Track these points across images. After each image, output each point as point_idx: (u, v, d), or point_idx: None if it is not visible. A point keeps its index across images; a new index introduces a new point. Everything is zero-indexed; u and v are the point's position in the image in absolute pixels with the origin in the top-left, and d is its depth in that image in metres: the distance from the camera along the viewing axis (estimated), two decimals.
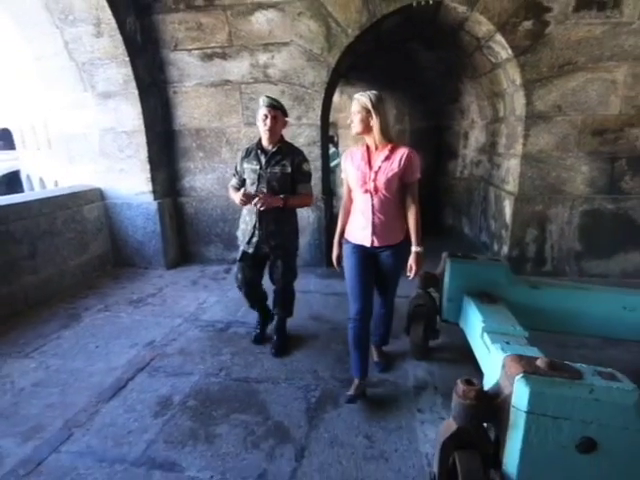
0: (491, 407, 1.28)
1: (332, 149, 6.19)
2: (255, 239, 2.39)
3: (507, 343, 1.74)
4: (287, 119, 2.39)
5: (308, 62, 3.67)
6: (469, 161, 5.21)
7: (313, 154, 3.93)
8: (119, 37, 3.51)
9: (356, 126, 1.97)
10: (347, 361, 2.27)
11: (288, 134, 3.85)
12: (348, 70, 4.58)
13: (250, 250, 2.42)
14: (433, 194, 5.96)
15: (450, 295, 2.32)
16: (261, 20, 3.58)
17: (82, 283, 3.82)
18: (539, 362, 1.25)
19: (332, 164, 5.66)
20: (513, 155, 3.82)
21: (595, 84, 3.41)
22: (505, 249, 3.90)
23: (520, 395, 1.19)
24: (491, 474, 1.32)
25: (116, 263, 4.28)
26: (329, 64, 3.64)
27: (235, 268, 2.55)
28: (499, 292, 2.22)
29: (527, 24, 3.32)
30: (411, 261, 2.06)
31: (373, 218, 2.02)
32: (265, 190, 2.32)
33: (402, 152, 1.97)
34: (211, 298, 3.49)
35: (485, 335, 1.87)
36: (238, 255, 2.51)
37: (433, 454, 1.55)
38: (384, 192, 1.98)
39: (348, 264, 2.11)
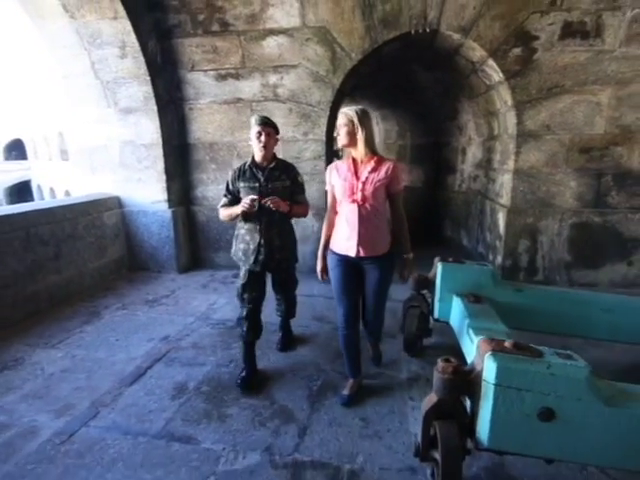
0: (466, 381, 1.50)
1: None
2: (262, 257, 2.37)
3: None
4: (277, 136, 2.40)
5: (314, 83, 3.97)
6: (467, 176, 5.46)
7: (318, 167, 4.21)
8: (142, 59, 3.83)
9: (342, 139, 2.03)
10: None
11: (295, 149, 4.17)
12: (352, 89, 4.88)
13: (257, 269, 2.40)
14: (433, 207, 6.22)
15: (441, 296, 2.54)
16: (272, 44, 3.90)
17: (100, 284, 4.08)
18: (506, 343, 1.48)
19: None
20: (506, 170, 4.07)
21: (581, 106, 3.67)
22: (499, 259, 4.12)
23: (489, 370, 1.41)
24: (466, 441, 1.54)
25: (131, 267, 4.54)
26: (334, 85, 3.94)
27: (239, 289, 2.44)
28: (485, 293, 2.43)
29: (517, 50, 3.61)
30: (402, 267, 2.18)
31: (359, 228, 2.05)
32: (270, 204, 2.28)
33: (387, 164, 2.05)
34: (221, 300, 3.72)
35: (470, 330, 2.08)
36: (242, 276, 2.44)
37: None
38: (371, 202, 2.04)
39: (333, 275, 2.17)
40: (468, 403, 1.55)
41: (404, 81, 5.38)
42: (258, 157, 2.36)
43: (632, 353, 2.56)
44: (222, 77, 4.11)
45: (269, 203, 2.21)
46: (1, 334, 3.00)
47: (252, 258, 2.39)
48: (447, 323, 2.55)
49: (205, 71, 4.11)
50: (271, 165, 2.37)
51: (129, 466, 1.77)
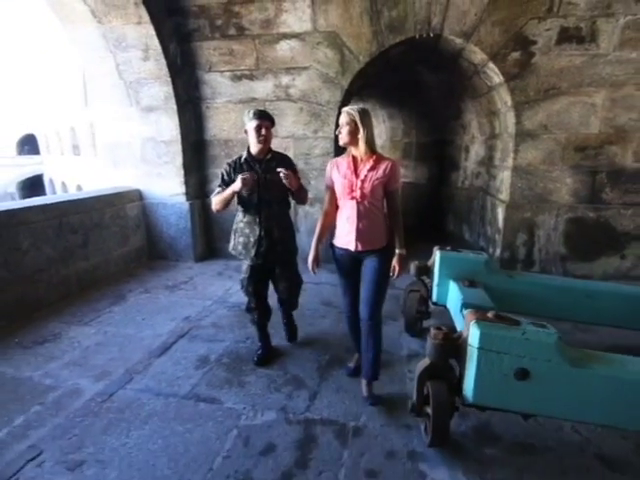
0: (454, 346, 1.76)
1: None
2: (263, 249, 2.40)
3: None
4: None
5: (324, 84, 4.22)
6: (470, 173, 5.68)
7: (327, 163, 4.44)
8: (163, 61, 4.10)
9: (344, 137, 2.08)
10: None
11: (305, 145, 4.42)
12: (359, 89, 5.12)
13: (259, 261, 2.44)
14: (437, 203, 6.45)
15: (439, 281, 2.79)
16: (285, 48, 4.15)
17: (123, 271, 4.38)
18: (489, 314, 1.74)
19: None
20: (506, 167, 4.29)
21: (577, 107, 3.88)
22: (498, 251, 4.35)
23: (473, 335, 1.67)
24: (455, 399, 1.79)
25: (150, 255, 4.84)
26: (342, 86, 4.18)
27: (244, 282, 2.54)
28: (480, 279, 2.68)
29: (515, 54, 3.82)
30: (395, 262, 2.18)
31: (358, 224, 2.12)
32: (268, 197, 2.37)
33: (386, 162, 2.10)
34: (236, 286, 3.97)
35: (463, 309, 2.33)
36: (245, 270, 2.51)
37: None
38: (369, 199, 2.10)
39: (337, 267, 2.31)
40: (456, 365, 1.81)
41: (409, 81, 5.60)
42: (255, 150, 2.37)
43: (614, 336, 2.78)
44: (237, 78, 4.37)
45: (286, 180, 2.21)
46: (39, 314, 3.31)
47: (253, 251, 2.41)
48: (444, 306, 2.80)
49: (222, 72, 4.38)
50: (267, 157, 2.39)
51: (163, 419, 2.06)
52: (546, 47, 3.76)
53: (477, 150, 5.50)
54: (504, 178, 4.35)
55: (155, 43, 4.00)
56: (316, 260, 2.29)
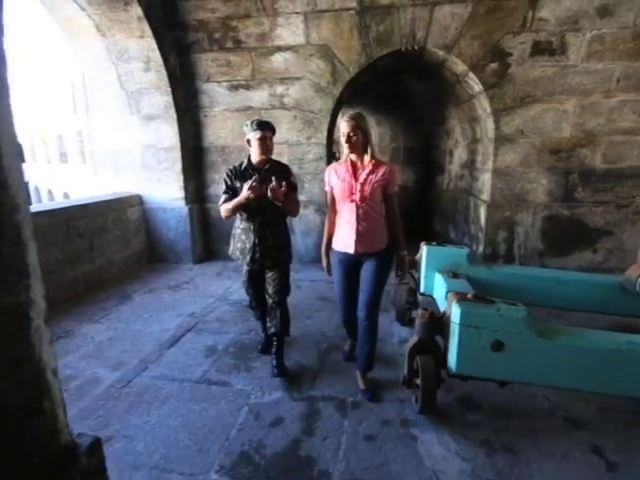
0: (439, 324, 2.01)
1: None
2: (257, 255, 2.44)
3: None
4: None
5: (317, 93, 4.49)
6: (454, 175, 5.99)
7: (320, 167, 4.71)
8: (164, 72, 4.33)
9: (349, 144, 2.13)
10: None
11: (299, 151, 4.68)
12: (350, 97, 5.40)
13: (255, 267, 2.51)
14: (423, 204, 6.75)
15: (426, 274, 3.05)
16: (279, 59, 4.41)
17: (125, 273, 4.56)
18: (468, 295, 2.00)
19: None
20: (486, 170, 4.60)
21: (550, 113, 4.20)
22: (481, 248, 4.65)
23: (455, 314, 1.93)
24: (440, 372, 2.05)
25: (151, 258, 5.02)
26: (334, 95, 4.46)
27: (244, 284, 2.71)
28: (462, 270, 2.94)
29: (493, 65, 4.14)
30: (398, 263, 2.29)
31: (357, 226, 2.17)
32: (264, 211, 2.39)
33: (385, 166, 2.18)
34: (235, 285, 4.21)
35: (448, 295, 2.59)
36: (244, 273, 2.64)
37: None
38: (369, 202, 2.16)
39: (335, 273, 2.36)
40: (441, 341, 2.07)
41: (397, 90, 5.91)
42: (256, 159, 2.41)
43: (585, 321, 3.07)
44: (234, 87, 4.62)
45: (271, 186, 2.21)
46: (50, 313, 3.47)
47: (249, 257, 2.46)
48: (431, 296, 3.06)
49: (219, 82, 4.61)
50: (266, 167, 2.42)
51: (180, 400, 2.27)
52: (521, 59, 4.08)
53: (460, 154, 5.81)
54: (485, 180, 4.65)
55: (156, 55, 4.22)
56: (329, 266, 2.41)
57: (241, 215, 2.48)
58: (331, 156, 5.29)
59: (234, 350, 2.85)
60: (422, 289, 3.10)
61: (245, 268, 2.59)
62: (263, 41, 4.35)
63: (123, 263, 4.61)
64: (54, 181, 24.49)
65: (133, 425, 2.08)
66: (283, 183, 2.27)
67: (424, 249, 3.07)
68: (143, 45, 4.17)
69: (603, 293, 2.87)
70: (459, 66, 4.30)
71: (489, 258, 4.51)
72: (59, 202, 4.08)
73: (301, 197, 3.86)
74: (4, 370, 0.70)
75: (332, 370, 2.59)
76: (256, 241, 2.43)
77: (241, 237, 2.51)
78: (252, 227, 2.43)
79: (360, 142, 2.14)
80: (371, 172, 2.17)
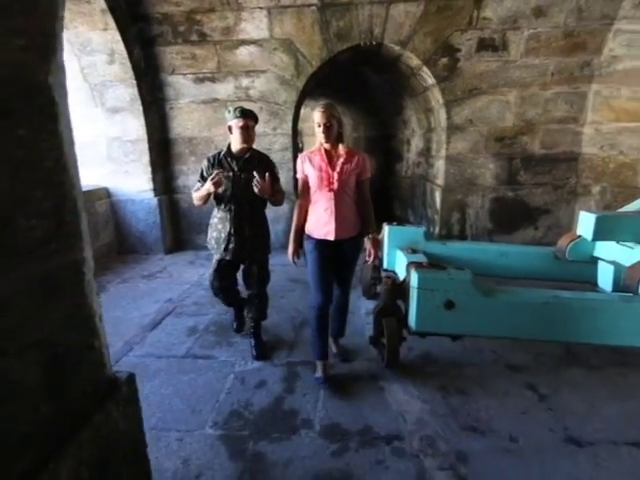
0: (401, 290, 2.32)
1: None
2: (232, 245, 2.43)
3: None
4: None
5: (281, 85, 4.68)
6: (412, 163, 6.38)
7: (286, 157, 4.93)
8: (128, 64, 4.36)
9: (325, 134, 2.14)
10: None
11: (266, 141, 4.86)
12: (312, 89, 5.61)
13: (228, 257, 2.47)
14: (384, 190, 7.12)
15: (388, 251, 3.37)
16: (244, 53, 4.55)
17: (96, 266, 4.57)
18: (424, 263, 2.32)
19: None
20: (440, 157, 4.99)
21: (495, 104, 4.63)
22: (437, 229, 5.05)
23: (414, 279, 2.24)
24: (402, 331, 2.36)
25: (120, 250, 5.06)
26: (298, 87, 4.66)
27: (210, 276, 2.63)
28: (419, 247, 3.28)
29: (444, 60, 4.49)
30: (369, 246, 2.34)
31: (337, 213, 2.22)
32: (241, 199, 2.40)
33: (358, 155, 2.27)
34: (209, 272, 4.36)
35: (409, 265, 2.91)
36: (213, 263, 2.58)
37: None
38: (345, 190, 2.24)
39: (312, 258, 2.29)
40: (402, 305, 2.38)
41: (356, 82, 6.19)
42: (237, 148, 2.40)
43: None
44: (200, 80, 4.71)
45: (257, 188, 2.25)
46: None
47: (223, 246, 2.46)
48: (394, 271, 3.38)
49: (184, 75, 4.69)
50: (246, 156, 2.41)
51: (169, 373, 2.46)
52: (468, 54, 4.46)
53: (417, 142, 6.20)
54: (439, 166, 5.05)
55: (121, 48, 4.25)
56: (297, 252, 2.37)
57: (218, 204, 2.48)
58: (296, 146, 5.51)
59: (214, 329, 3.05)
60: (385, 265, 3.41)
61: (216, 258, 2.54)
62: (228, 35, 4.47)
63: (93, 255, 4.62)
64: None
65: None
66: (266, 175, 2.27)
67: (386, 229, 3.38)
68: (107, 38, 4.19)
69: (540, 262, 3.30)
70: (413, 60, 4.62)
71: (445, 238, 4.92)
72: None
73: None
74: (69, 313, 0.90)
75: (307, 341, 2.82)
76: (232, 231, 2.42)
77: (217, 226, 2.50)
78: (228, 216, 2.43)
79: (335, 131, 2.18)
80: (346, 161, 2.23)
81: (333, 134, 2.17)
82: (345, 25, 4.40)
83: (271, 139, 4.88)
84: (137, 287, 3.97)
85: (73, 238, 0.90)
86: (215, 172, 2.27)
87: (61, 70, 0.88)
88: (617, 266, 2.73)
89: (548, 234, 4.85)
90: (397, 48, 4.52)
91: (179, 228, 5.27)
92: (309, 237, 2.33)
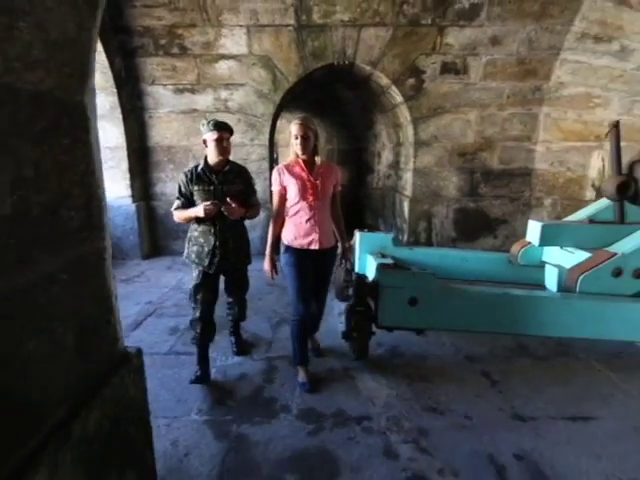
0: (370, 288, 2.56)
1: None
2: (217, 259, 2.39)
3: None
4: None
5: (259, 98, 4.91)
6: (382, 175, 6.73)
7: (263, 167, 5.15)
8: (110, 74, 4.48)
9: (303, 147, 2.21)
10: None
11: (243, 152, 5.06)
12: (288, 102, 5.88)
13: (212, 271, 2.41)
14: (356, 201, 7.43)
15: (359, 255, 3.61)
16: (223, 67, 4.76)
17: None
18: (391, 265, 2.57)
19: None
20: (408, 169, 5.33)
21: (457, 122, 5.03)
22: (405, 237, 5.37)
23: (382, 279, 2.48)
24: (371, 326, 2.60)
25: None
26: (275, 101, 4.91)
27: (192, 290, 2.48)
28: (388, 252, 3.54)
29: (411, 80, 4.86)
30: (346, 253, 2.59)
31: (319, 223, 2.30)
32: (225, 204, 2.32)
33: (332, 166, 2.40)
34: (187, 277, 4.47)
35: (378, 266, 3.16)
36: (196, 277, 2.46)
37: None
38: (325, 200, 2.33)
39: (293, 269, 2.32)
40: (372, 302, 2.62)
41: (330, 97, 6.51)
42: (214, 161, 2.35)
43: None
44: (180, 91, 4.88)
45: (224, 209, 2.25)
46: None
47: (207, 260, 2.39)
48: (364, 275, 3.63)
49: (164, 85, 4.85)
50: (225, 169, 2.38)
51: (153, 368, 2.58)
52: (433, 76, 4.85)
53: (387, 156, 6.56)
54: (408, 178, 5.39)
55: (102, 58, 4.36)
56: (275, 268, 2.41)
57: (198, 219, 2.38)
58: (272, 157, 5.74)
59: None
60: (357, 269, 3.66)
61: (199, 269, 2.44)
62: (208, 49, 4.68)
63: None
64: None
65: None
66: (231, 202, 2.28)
67: (357, 236, 3.63)
68: None
69: (495, 267, 3.63)
70: (383, 80, 4.97)
71: (412, 245, 5.24)
72: None
73: None
74: (93, 292, 1.08)
75: (284, 337, 3.04)
76: (217, 244, 2.38)
77: (199, 240, 2.41)
78: (212, 230, 2.37)
79: (311, 143, 2.25)
80: (325, 172, 2.33)
81: (310, 146, 2.24)
82: (320, 45, 4.70)
83: (248, 149, 5.08)
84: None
85: (98, 229, 1.08)
86: (210, 202, 2.23)
87: (92, 91, 1.07)
88: (560, 269, 3.09)
89: (506, 242, 5.25)
90: (368, 68, 4.85)
91: (156, 234, 5.35)
92: (289, 247, 2.35)
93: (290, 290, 2.38)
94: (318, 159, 2.36)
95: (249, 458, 1.85)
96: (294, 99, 5.96)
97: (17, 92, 0.79)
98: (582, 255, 2.84)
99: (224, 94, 4.90)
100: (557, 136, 5.00)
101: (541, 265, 3.36)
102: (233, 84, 4.85)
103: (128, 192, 4.96)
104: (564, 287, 2.89)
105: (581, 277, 2.62)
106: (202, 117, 4.96)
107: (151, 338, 3.01)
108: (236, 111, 4.96)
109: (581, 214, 3.47)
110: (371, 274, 3.39)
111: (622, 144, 3.03)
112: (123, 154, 4.85)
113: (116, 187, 4.94)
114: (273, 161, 5.78)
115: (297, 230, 2.33)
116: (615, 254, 2.63)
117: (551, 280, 3.18)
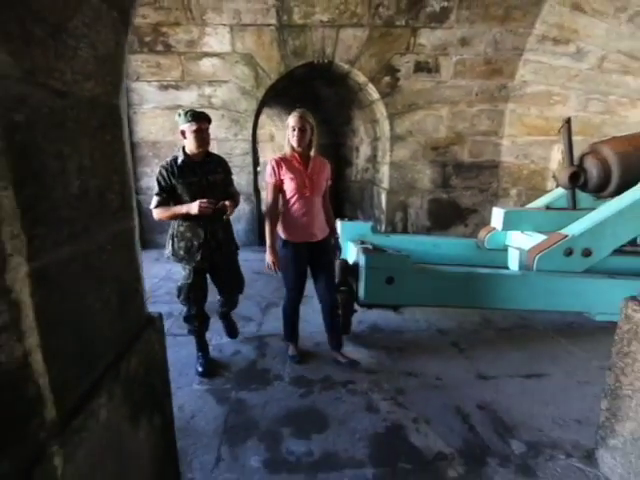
0: (352, 270, 2.84)
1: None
2: (207, 252, 2.34)
3: None
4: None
5: (242, 95, 5.09)
6: (360, 168, 7.02)
7: (246, 161, 5.34)
8: None
9: (303, 139, 2.23)
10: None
11: (227, 147, 5.24)
12: (270, 99, 6.07)
13: (204, 265, 2.38)
14: (335, 194, 7.70)
15: (342, 243, 3.89)
16: (207, 64, 4.92)
17: None
18: (370, 247, 2.86)
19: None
20: (385, 163, 5.63)
21: (430, 118, 5.35)
22: (383, 227, 5.68)
23: (362, 260, 2.76)
24: (354, 304, 2.88)
25: None
26: (257, 97, 5.11)
27: (184, 289, 2.45)
28: (367, 239, 3.81)
29: (387, 78, 5.14)
30: (336, 243, 2.71)
31: (316, 216, 2.36)
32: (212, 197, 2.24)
33: (325, 162, 2.42)
34: (175, 268, 4.61)
35: (358, 250, 3.44)
36: (186, 275, 2.41)
37: None
38: (320, 194, 2.40)
39: (291, 263, 2.39)
40: (353, 282, 2.90)
41: (310, 93, 6.73)
42: (193, 152, 2.26)
43: None
44: (164, 87, 5.01)
45: (220, 205, 2.22)
46: None
47: (198, 255, 2.32)
48: (346, 260, 3.91)
49: (149, 82, 4.97)
50: (207, 159, 2.34)
51: None
52: (407, 74, 5.14)
53: (365, 150, 6.85)
54: (384, 171, 5.69)
55: None
56: (277, 263, 2.41)
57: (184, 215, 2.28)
58: (255, 151, 5.94)
59: None
60: (341, 255, 3.91)
61: (189, 268, 2.39)
62: (192, 47, 4.82)
63: None
64: None
65: None
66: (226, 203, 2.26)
67: (339, 224, 3.90)
68: None
69: (465, 251, 3.97)
70: (361, 77, 5.23)
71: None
72: None
73: None
74: (127, 262, 1.30)
75: (273, 318, 3.29)
76: (207, 237, 2.32)
77: (186, 235, 2.32)
78: (201, 222, 2.28)
79: (308, 136, 2.27)
80: (319, 166, 2.38)
81: (306, 139, 2.26)
82: (301, 44, 4.91)
83: (232, 144, 5.27)
84: None
85: (129, 210, 1.30)
86: (206, 200, 2.16)
87: (123, 94, 1.29)
88: (521, 250, 3.44)
89: (476, 230, 5.55)
90: (346, 66, 5.10)
91: (141, 228, 5.43)
92: (286, 242, 2.39)
93: (285, 280, 2.50)
94: (313, 153, 2.39)
95: (249, 417, 2.10)
96: (276, 95, 6.16)
97: (80, 98, 1.01)
98: (539, 238, 3.19)
99: (208, 90, 5.06)
100: (521, 131, 5.39)
101: (505, 249, 3.72)
102: (217, 81, 5.02)
103: None
104: (524, 267, 3.24)
105: (537, 257, 2.96)
106: None
107: None
108: (220, 107, 5.13)
109: (539, 202, 3.84)
110: (351, 258, 3.68)
111: (578, 138, 3.40)
112: None
113: None
114: (256, 155, 5.97)
115: (294, 224, 2.37)
116: (566, 236, 2.98)
117: (513, 261, 3.54)
